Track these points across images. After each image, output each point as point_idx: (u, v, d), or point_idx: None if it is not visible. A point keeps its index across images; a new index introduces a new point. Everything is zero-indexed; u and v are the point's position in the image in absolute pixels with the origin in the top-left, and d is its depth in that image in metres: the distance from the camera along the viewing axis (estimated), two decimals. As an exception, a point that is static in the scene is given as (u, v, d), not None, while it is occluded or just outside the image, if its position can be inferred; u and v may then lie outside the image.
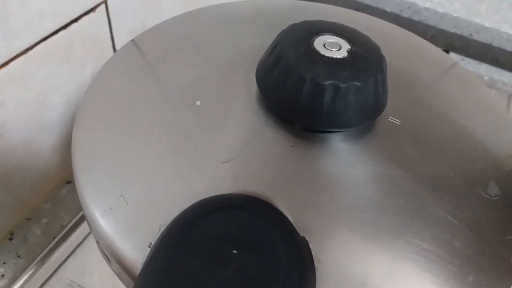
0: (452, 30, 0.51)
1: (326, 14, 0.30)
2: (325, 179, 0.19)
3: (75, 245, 0.32)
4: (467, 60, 0.52)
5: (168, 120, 0.20)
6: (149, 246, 0.16)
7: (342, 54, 0.19)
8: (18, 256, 0.31)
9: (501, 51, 0.50)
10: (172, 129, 0.20)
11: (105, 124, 0.20)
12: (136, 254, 0.17)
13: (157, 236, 0.16)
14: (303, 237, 0.16)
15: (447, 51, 0.52)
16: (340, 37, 0.20)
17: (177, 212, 0.17)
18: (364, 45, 0.20)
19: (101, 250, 0.18)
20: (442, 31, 0.51)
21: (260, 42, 0.23)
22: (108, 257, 0.18)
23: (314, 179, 0.19)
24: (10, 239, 0.32)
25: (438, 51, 0.29)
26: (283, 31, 0.20)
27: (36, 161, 0.32)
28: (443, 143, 0.22)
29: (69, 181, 0.36)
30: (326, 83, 0.18)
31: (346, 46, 0.19)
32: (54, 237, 0.32)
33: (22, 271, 0.31)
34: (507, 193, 0.20)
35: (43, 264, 0.31)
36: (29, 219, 0.33)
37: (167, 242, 0.15)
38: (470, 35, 0.51)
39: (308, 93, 0.18)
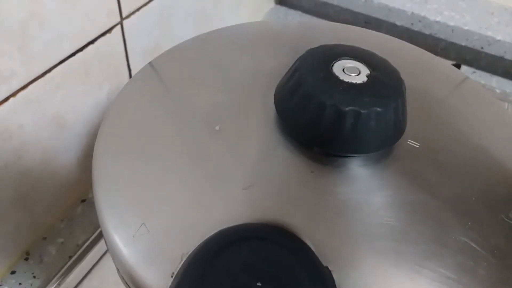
0: (463, 43, 0.51)
1: (337, 34, 0.30)
2: (346, 205, 0.19)
3: (91, 265, 0.32)
4: (479, 72, 0.52)
5: (187, 146, 0.20)
6: (172, 276, 0.16)
7: (361, 79, 0.19)
8: (34, 277, 0.31)
9: (513, 63, 0.50)
10: (192, 155, 0.20)
11: (125, 150, 0.20)
12: (158, 283, 0.16)
13: (179, 266, 0.16)
14: (327, 267, 0.16)
15: (459, 64, 0.51)
16: (359, 61, 0.20)
17: (199, 241, 0.17)
18: (383, 69, 0.20)
19: (122, 278, 0.18)
20: (453, 44, 0.51)
21: (275, 64, 0.24)
22: (129, 285, 0.18)
23: (335, 206, 0.19)
24: (26, 259, 0.32)
25: (449, 66, 0.29)
26: (301, 56, 0.20)
27: (52, 181, 0.32)
28: (462, 166, 0.21)
29: (84, 200, 0.36)
30: (347, 109, 0.18)
31: (365, 71, 0.19)
32: (70, 257, 0.33)
33: (39, 292, 0.31)
34: (530, 217, 0.20)
35: (60, 285, 0.31)
36: (44, 238, 0.34)
37: (191, 274, 0.15)
38: (482, 48, 0.50)
39: (328, 119, 0.18)
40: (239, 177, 0.19)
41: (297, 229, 0.17)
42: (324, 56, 0.20)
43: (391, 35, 0.31)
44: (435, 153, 0.21)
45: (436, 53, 0.53)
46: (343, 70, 0.19)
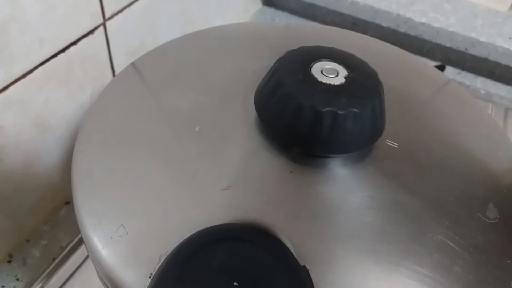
0: (448, 45, 0.51)
1: (322, 35, 0.30)
2: (325, 205, 0.19)
3: (75, 267, 0.32)
4: (464, 73, 0.52)
5: (167, 147, 0.20)
6: (150, 277, 0.16)
7: (339, 80, 0.19)
8: (17, 279, 0.31)
9: (497, 64, 0.51)
10: (171, 157, 0.20)
11: (105, 152, 0.20)
12: (136, 284, 0.16)
13: (157, 267, 0.16)
14: (304, 266, 0.16)
15: (443, 65, 0.52)
16: (337, 63, 0.20)
17: (177, 241, 0.17)
18: (361, 70, 0.20)
19: (101, 280, 0.18)
20: (438, 46, 0.52)
21: (258, 66, 0.24)
22: (109, 286, 0.18)
23: (313, 205, 0.19)
24: (9, 261, 0.32)
25: (433, 69, 0.29)
26: (280, 58, 0.20)
27: (35, 183, 0.32)
28: (440, 166, 0.22)
29: (68, 202, 0.36)
30: (325, 110, 0.18)
31: (343, 72, 0.20)
32: (53, 259, 0.32)
33: (21, 294, 0.30)
34: (506, 216, 0.20)
35: (43, 287, 0.31)
36: (27, 241, 0.33)
37: (168, 275, 0.15)
38: (466, 49, 0.51)
39: (307, 120, 0.18)
40: (219, 178, 0.19)
41: (276, 229, 0.17)
42: (303, 58, 0.20)
43: (377, 37, 0.31)
44: (414, 154, 0.22)
45: (421, 54, 0.54)
46: (321, 71, 0.20)
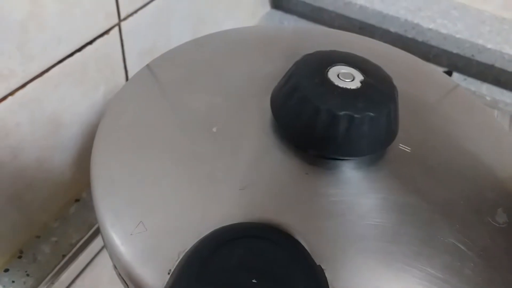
0: (455, 51, 0.52)
1: (331, 39, 0.31)
2: (339, 207, 0.19)
3: (85, 264, 0.32)
4: (470, 80, 0.53)
5: (185, 147, 0.21)
6: (169, 273, 0.17)
7: (355, 84, 0.20)
8: (28, 275, 0.32)
9: (503, 71, 0.51)
10: (189, 156, 0.20)
11: (123, 150, 0.21)
12: (155, 280, 0.17)
13: (176, 264, 0.17)
14: (319, 265, 0.17)
15: (450, 71, 0.52)
16: (353, 67, 0.20)
17: (196, 239, 0.17)
18: (377, 75, 0.21)
19: (119, 275, 0.19)
20: (445, 52, 0.52)
21: (271, 69, 0.24)
22: (126, 281, 0.18)
23: (328, 206, 0.19)
24: (20, 257, 0.33)
25: (441, 74, 0.30)
26: (297, 61, 0.21)
27: (47, 180, 0.32)
28: (451, 170, 0.22)
29: (78, 199, 0.36)
30: (341, 113, 0.19)
31: (359, 77, 0.20)
32: (63, 256, 0.33)
33: (32, 290, 0.31)
34: (516, 220, 0.20)
35: (53, 283, 0.31)
36: (38, 237, 0.34)
37: (187, 271, 0.16)
38: (473, 55, 0.51)
39: (323, 123, 0.19)
40: (236, 178, 0.20)
41: (292, 229, 0.18)
42: (320, 62, 0.21)
43: (384, 41, 0.31)
44: (426, 158, 0.22)
45: (428, 59, 0.54)
46: (337, 75, 0.20)
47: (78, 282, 0.31)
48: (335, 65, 0.20)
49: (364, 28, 0.55)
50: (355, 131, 0.19)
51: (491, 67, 0.51)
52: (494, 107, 0.51)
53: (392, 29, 0.53)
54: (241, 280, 0.15)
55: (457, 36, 0.51)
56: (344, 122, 0.19)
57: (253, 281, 0.15)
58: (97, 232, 0.34)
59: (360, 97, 0.19)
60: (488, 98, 0.51)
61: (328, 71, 0.20)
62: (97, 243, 0.34)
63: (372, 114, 0.19)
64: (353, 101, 0.19)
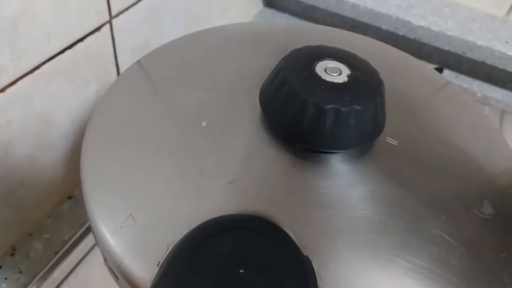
0: (446, 48, 0.52)
1: (323, 36, 0.31)
2: (327, 199, 0.19)
3: (77, 260, 0.32)
4: (461, 77, 0.53)
5: (174, 141, 0.21)
6: (158, 265, 0.17)
7: (342, 79, 0.20)
8: (20, 272, 0.32)
9: (493, 68, 0.52)
10: (178, 150, 0.21)
11: (113, 145, 0.21)
12: (145, 272, 0.17)
13: (165, 256, 0.17)
14: (307, 256, 0.17)
15: (441, 68, 0.53)
16: (340, 62, 0.21)
17: (185, 231, 0.17)
18: (364, 70, 0.21)
19: (109, 268, 0.19)
20: (437, 49, 0.53)
21: (262, 64, 0.24)
22: (117, 275, 0.18)
23: (316, 198, 0.19)
24: (12, 254, 0.33)
25: (432, 70, 0.30)
26: (285, 56, 0.21)
27: (39, 177, 0.32)
28: (438, 163, 0.22)
29: (70, 196, 0.36)
30: (328, 107, 0.19)
31: (346, 71, 0.20)
32: (56, 252, 0.33)
33: (24, 287, 0.31)
34: (501, 212, 0.21)
35: (46, 280, 0.31)
36: (30, 234, 0.34)
37: (176, 262, 0.16)
38: (464, 53, 0.52)
39: (310, 116, 0.19)
40: (225, 171, 0.20)
41: (279, 221, 0.18)
42: (308, 56, 0.21)
43: (376, 39, 0.32)
44: (413, 151, 0.22)
45: (419, 57, 0.55)
46: (325, 70, 0.20)
47: (70, 278, 0.32)
48: (322, 60, 0.21)
49: (356, 26, 0.55)
50: (342, 124, 0.19)
51: (482, 64, 0.52)
52: (485, 103, 0.51)
53: (384, 27, 0.54)
54: (228, 270, 0.15)
55: (448, 33, 0.51)
56: (331, 115, 0.19)
57: (241, 271, 0.15)
58: (90, 229, 0.34)
59: (347, 91, 0.19)
60: (479, 95, 0.52)
61: (315, 65, 0.20)
62: (90, 240, 0.34)
63: (358, 107, 0.19)
64: (340, 94, 0.19)
